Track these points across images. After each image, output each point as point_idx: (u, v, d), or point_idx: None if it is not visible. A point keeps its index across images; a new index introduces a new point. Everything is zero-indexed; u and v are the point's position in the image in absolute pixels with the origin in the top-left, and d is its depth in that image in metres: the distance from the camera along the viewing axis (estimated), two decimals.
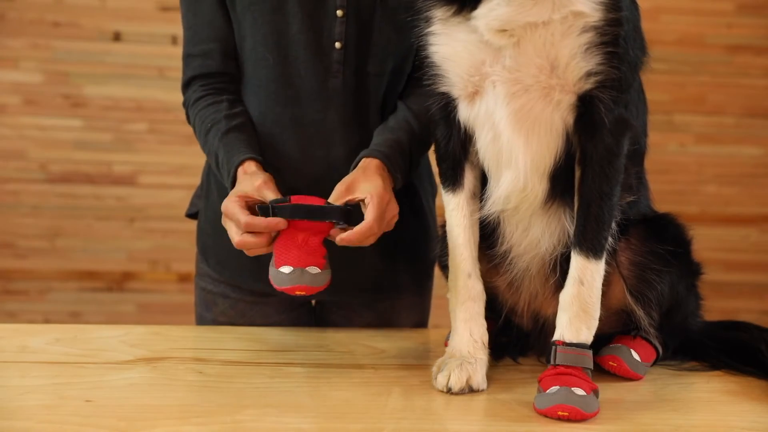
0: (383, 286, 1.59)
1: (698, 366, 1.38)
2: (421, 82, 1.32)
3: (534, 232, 1.29)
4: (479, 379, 1.23)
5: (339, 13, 1.43)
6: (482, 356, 1.26)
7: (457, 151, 1.28)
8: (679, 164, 3.59)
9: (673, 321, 1.35)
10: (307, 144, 1.48)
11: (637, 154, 1.31)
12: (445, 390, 1.21)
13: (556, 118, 1.19)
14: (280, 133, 1.48)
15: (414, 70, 1.50)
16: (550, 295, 1.33)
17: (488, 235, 1.34)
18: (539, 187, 1.24)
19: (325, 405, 1.15)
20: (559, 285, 1.25)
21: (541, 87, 1.17)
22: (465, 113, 1.25)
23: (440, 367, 1.25)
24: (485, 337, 1.28)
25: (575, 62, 1.15)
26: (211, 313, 1.62)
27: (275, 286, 1.30)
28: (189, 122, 1.56)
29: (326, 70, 1.45)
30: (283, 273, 1.28)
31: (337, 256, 1.48)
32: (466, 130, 1.26)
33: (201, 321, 1.64)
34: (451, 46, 1.22)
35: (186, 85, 1.54)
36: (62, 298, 3.45)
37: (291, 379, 1.25)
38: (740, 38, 3.63)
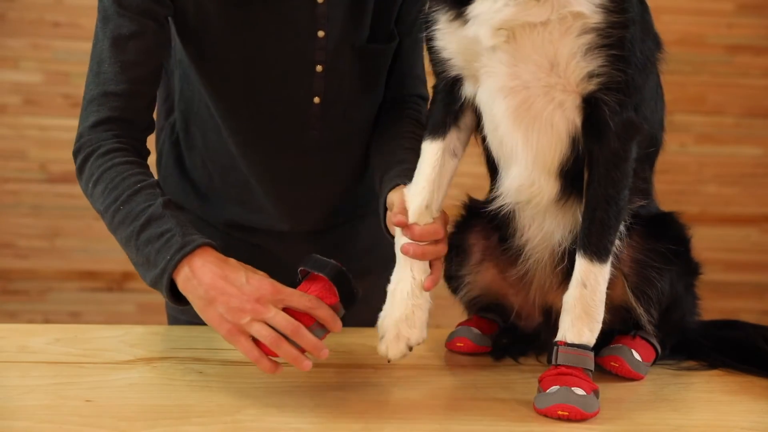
0: (361, 269, 1.60)
1: (698, 366, 1.38)
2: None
3: (548, 226, 1.30)
4: (417, 335, 1.24)
5: (318, 68, 1.41)
6: (421, 301, 1.26)
7: (451, 110, 1.30)
8: (679, 164, 3.59)
9: (672, 319, 1.35)
10: (285, 188, 1.49)
11: (651, 157, 1.32)
12: (386, 361, 1.24)
13: (558, 118, 1.19)
14: (254, 177, 1.48)
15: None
16: (558, 285, 1.33)
17: (503, 227, 1.35)
18: (548, 184, 1.24)
19: (325, 405, 1.15)
20: (568, 272, 1.26)
21: (540, 85, 1.17)
22: (470, 91, 1.27)
23: (382, 328, 1.26)
24: (425, 275, 1.27)
25: (575, 62, 1.15)
26: (186, 314, 1.60)
27: None
28: (81, 172, 1.32)
29: (303, 124, 1.45)
30: None
31: (299, 254, 1.49)
32: (466, 101, 1.28)
33: (175, 323, 1.62)
34: (453, 44, 1.23)
35: (93, 127, 1.31)
36: (62, 298, 3.46)
37: (291, 379, 1.25)
38: (740, 38, 3.63)
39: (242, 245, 1.53)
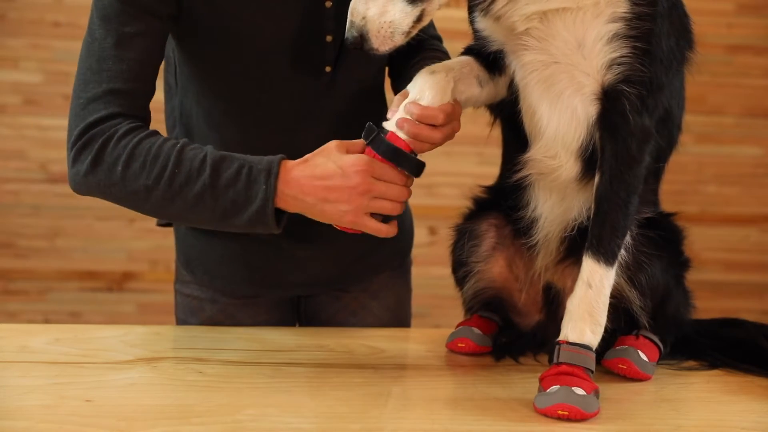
0: (364, 269, 1.62)
1: (698, 365, 1.39)
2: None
3: (568, 202, 1.31)
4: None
5: (328, 38, 1.41)
6: None
7: (488, 59, 1.30)
8: (679, 164, 3.56)
9: (667, 311, 1.35)
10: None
11: (660, 169, 1.35)
12: None
13: (578, 101, 1.21)
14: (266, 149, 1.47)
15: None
16: (561, 259, 1.34)
17: (518, 197, 1.36)
18: (568, 162, 1.26)
19: (325, 405, 1.15)
20: (573, 246, 1.28)
21: (566, 63, 1.19)
22: (509, 62, 1.29)
23: None
24: None
25: (600, 46, 1.16)
26: (196, 318, 1.61)
27: None
28: (98, 162, 1.25)
29: (316, 93, 1.44)
30: None
31: (318, 255, 1.49)
32: (505, 67, 1.30)
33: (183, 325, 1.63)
34: (489, 27, 1.26)
35: (103, 120, 1.27)
36: (62, 298, 3.45)
37: (291, 379, 1.25)
38: (740, 38, 3.63)
39: (263, 247, 1.53)
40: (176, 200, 1.25)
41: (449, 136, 1.30)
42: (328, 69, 1.43)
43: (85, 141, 1.26)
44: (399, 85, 1.48)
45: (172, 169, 1.24)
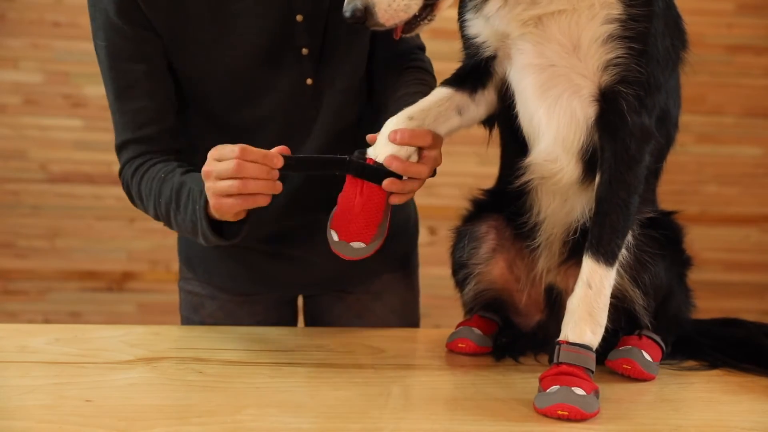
0: (362, 271, 1.61)
1: (698, 365, 1.38)
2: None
3: (570, 203, 1.31)
4: None
5: (304, 51, 1.41)
6: None
7: (476, 76, 1.31)
8: (679, 164, 3.59)
9: (668, 311, 1.35)
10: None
11: (659, 168, 1.35)
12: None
13: (576, 103, 1.20)
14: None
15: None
16: (564, 260, 1.35)
17: (520, 202, 1.36)
18: (570, 164, 1.25)
19: (325, 405, 1.15)
20: (575, 247, 1.28)
21: (563, 65, 1.19)
22: (502, 67, 1.28)
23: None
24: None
25: (595, 47, 1.16)
26: (198, 315, 1.62)
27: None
28: (133, 198, 1.43)
29: (300, 106, 1.44)
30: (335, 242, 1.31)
31: (316, 256, 1.50)
32: (493, 78, 1.30)
33: (187, 323, 1.64)
34: (484, 32, 1.26)
35: (123, 168, 1.43)
36: (62, 298, 3.46)
37: (291, 379, 1.25)
38: (740, 38, 3.63)
39: (262, 247, 1.54)
40: (172, 224, 1.38)
41: (434, 166, 1.31)
42: (309, 81, 1.43)
43: (123, 185, 1.44)
44: (385, 118, 1.45)
45: (155, 200, 1.36)
